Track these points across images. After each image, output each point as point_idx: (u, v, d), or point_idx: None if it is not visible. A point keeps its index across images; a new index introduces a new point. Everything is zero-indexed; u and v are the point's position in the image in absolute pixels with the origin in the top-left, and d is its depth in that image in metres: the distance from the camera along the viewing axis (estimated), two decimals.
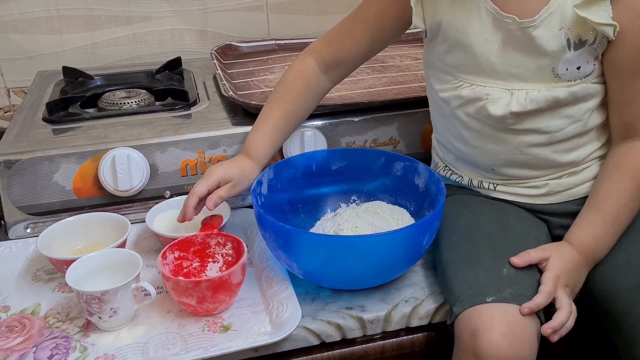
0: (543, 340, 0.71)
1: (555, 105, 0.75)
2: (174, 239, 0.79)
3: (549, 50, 0.73)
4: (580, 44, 0.72)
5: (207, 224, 0.82)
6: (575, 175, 0.81)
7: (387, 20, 0.83)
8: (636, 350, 0.71)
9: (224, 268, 0.79)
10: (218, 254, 0.80)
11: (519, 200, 0.83)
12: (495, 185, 0.84)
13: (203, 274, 0.79)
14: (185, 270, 0.78)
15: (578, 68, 0.73)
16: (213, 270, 0.79)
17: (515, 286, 0.71)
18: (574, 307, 0.72)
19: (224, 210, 0.87)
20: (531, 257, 0.74)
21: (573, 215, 0.80)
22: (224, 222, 0.84)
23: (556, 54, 0.73)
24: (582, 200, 0.81)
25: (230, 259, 0.79)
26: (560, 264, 0.73)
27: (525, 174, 0.81)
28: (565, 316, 0.70)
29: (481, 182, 0.85)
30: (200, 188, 0.81)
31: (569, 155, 0.79)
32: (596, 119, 0.78)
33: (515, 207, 0.83)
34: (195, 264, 0.79)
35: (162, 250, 0.75)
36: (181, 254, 0.78)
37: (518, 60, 0.75)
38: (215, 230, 0.80)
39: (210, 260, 0.80)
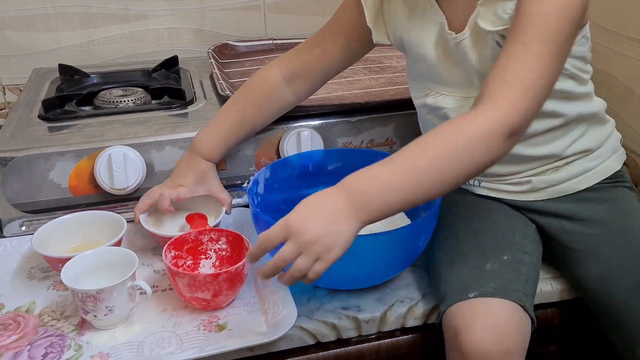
0: (540, 341, 0.71)
1: None
2: (169, 237, 0.79)
3: (485, 57, 0.73)
4: None
5: (194, 221, 0.84)
6: (559, 172, 0.81)
7: (356, 31, 0.84)
8: (637, 351, 0.71)
9: (217, 264, 0.80)
10: (210, 250, 0.80)
11: (503, 197, 0.83)
12: (479, 181, 0.84)
13: (196, 271, 0.79)
14: (180, 269, 0.77)
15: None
16: (206, 267, 0.80)
17: (499, 280, 0.71)
18: (301, 265, 0.61)
19: (215, 208, 0.87)
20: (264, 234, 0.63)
21: (561, 215, 0.80)
22: (218, 220, 0.84)
23: (493, 59, 0.71)
24: (569, 198, 0.81)
25: (224, 253, 0.80)
26: (302, 209, 0.62)
27: (505, 170, 0.81)
28: (268, 266, 0.62)
29: None
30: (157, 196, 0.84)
31: (544, 148, 0.79)
32: (564, 111, 0.77)
33: (503, 205, 0.83)
34: (189, 262, 0.79)
35: (163, 250, 0.75)
36: (177, 253, 0.78)
37: (467, 70, 0.76)
38: (208, 226, 0.81)
39: (202, 257, 0.80)
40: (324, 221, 0.61)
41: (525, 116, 0.64)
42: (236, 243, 0.79)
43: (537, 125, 0.77)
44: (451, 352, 0.69)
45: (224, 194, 0.87)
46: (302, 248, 0.60)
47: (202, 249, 0.80)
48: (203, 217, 0.85)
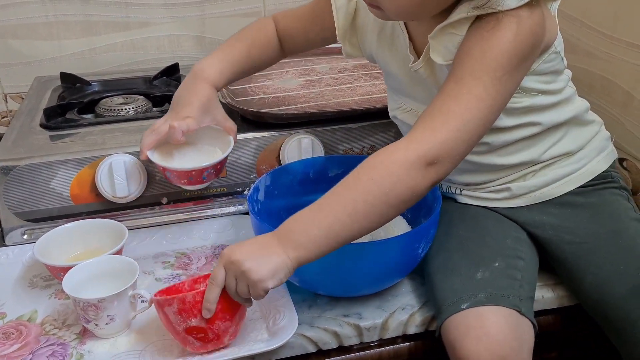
0: (542, 347, 0.71)
1: None
2: (184, 171, 0.77)
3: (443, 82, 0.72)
4: None
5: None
6: (537, 176, 0.80)
7: (329, 30, 0.85)
8: (638, 356, 0.71)
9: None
10: None
11: (485, 205, 0.83)
12: (460, 189, 0.85)
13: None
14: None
15: None
16: None
17: (490, 288, 0.71)
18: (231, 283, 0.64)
19: (221, 140, 0.84)
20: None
21: (547, 226, 0.80)
22: (227, 153, 0.81)
23: None
24: (553, 204, 0.80)
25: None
26: (235, 244, 0.66)
27: (481, 179, 0.81)
28: (209, 294, 0.65)
29: (449, 186, 0.86)
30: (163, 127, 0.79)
31: (518, 156, 0.79)
32: (539, 120, 0.77)
33: (492, 213, 0.83)
34: None
35: (149, 299, 0.71)
36: None
37: (429, 92, 0.76)
38: (204, 274, 0.73)
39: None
40: (252, 250, 0.64)
41: (445, 147, 0.64)
42: None
43: (510, 135, 0.77)
44: None
45: (229, 122, 0.84)
46: (235, 274, 0.64)
47: None
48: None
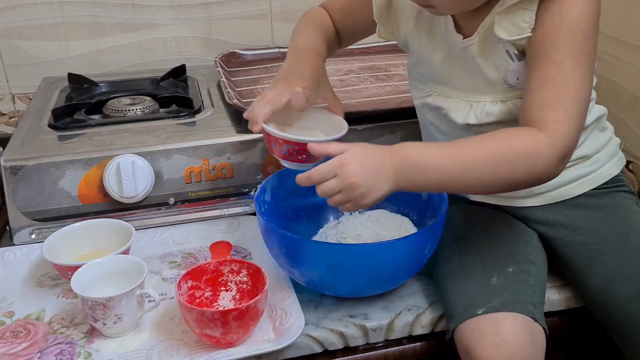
0: (548, 349, 0.71)
1: (511, 116, 0.75)
2: (316, 142, 0.71)
3: (493, 65, 0.74)
4: (521, 53, 0.72)
5: (217, 250, 0.79)
6: None
7: (368, 20, 0.85)
8: None
9: (237, 297, 0.76)
10: (231, 282, 0.76)
11: (500, 204, 0.83)
12: None
13: (215, 303, 0.76)
14: (197, 300, 0.74)
15: (526, 81, 0.72)
16: (226, 300, 0.76)
17: (505, 294, 0.71)
18: (336, 198, 0.67)
19: (329, 123, 0.79)
20: (331, 147, 0.69)
21: (560, 225, 0.80)
22: (340, 135, 0.75)
23: (500, 66, 0.73)
24: (566, 205, 0.80)
25: (245, 286, 0.76)
26: (357, 155, 0.67)
27: None
28: (311, 179, 0.68)
29: None
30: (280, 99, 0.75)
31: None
32: None
33: (502, 214, 0.83)
34: (208, 294, 0.76)
35: (177, 281, 0.72)
36: (194, 284, 0.74)
37: (470, 75, 0.76)
38: (229, 257, 0.77)
39: (222, 288, 0.76)
40: (370, 173, 0.66)
41: (574, 136, 0.67)
42: (256, 277, 0.75)
43: None
44: None
45: (337, 100, 0.82)
46: (343, 188, 0.66)
47: (222, 280, 0.76)
48: (227, 246, 0.79)
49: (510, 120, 0.74)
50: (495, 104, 0.75)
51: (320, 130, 0.80)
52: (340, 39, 0.90)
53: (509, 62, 0.73)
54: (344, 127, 0.77)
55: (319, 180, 0.68)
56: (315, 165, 0.70)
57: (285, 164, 0.77)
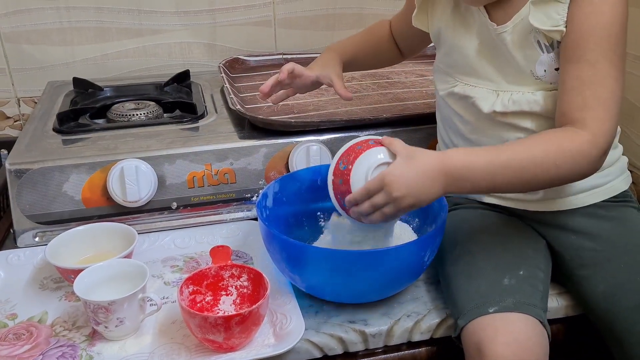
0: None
1: (537, 105, 0.77)
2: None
3: (523, 54, 0.76)
4: (552, 45, 0.74)
5: (217, 254, 0.79)
6: (569, 184, 0.81)
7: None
8: None
9: (237, 301, 0.77)
10: (232, 286, 0.77)
11: (512, 206, 0.84)
12: None
13: (216, 307, 0.76)
14: (198, 305, 0.75)
15: (557, 69, 0.75)
16: (226, 304, 0.76)
17: (518, 295, 0.72)
18: (378, 215, 0.70)
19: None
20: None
21: (569, 229, 0.81)
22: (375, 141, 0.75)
23: (530, 57, 0.75)
24: (577, 212, 0.81)
25: (245, 291, 0.77)
26: (402, 167, 0.69)
27: None
28: (358, 200, 0.71)
29: None
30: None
31: None
32: None
33: (513, 220, 0.84)
34: (208, 298, 0.76)
35: (179, 286, 0.72)
36: (195, 288, 0.75)
37: (500, 63, 0.78)
38: (230, 262, 0.78)
39: (223, 293, 0.77)
40: (417, 184, 0.69)
41: (613, 134, 0.71)
42: (257, 281, 0.75)
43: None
44: None
45: (340, 80, 0.95)
46: (390, 201, 0.69)
47: (222, 284, 0.77)
48: (227, 250, 0.80)
49: (535, 111, 0.77)
50: (522, 94, 0.77)
51: None
52: (400, 49, 1.00)
53: (539, 53, 0.75)
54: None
55: (365, 195, 0.70)
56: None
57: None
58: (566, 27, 0.71)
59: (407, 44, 0.99)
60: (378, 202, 0.69)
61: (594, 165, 0.71)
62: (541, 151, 0.69)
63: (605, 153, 0.71)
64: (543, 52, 0.74)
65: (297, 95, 1.00)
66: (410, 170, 0.69)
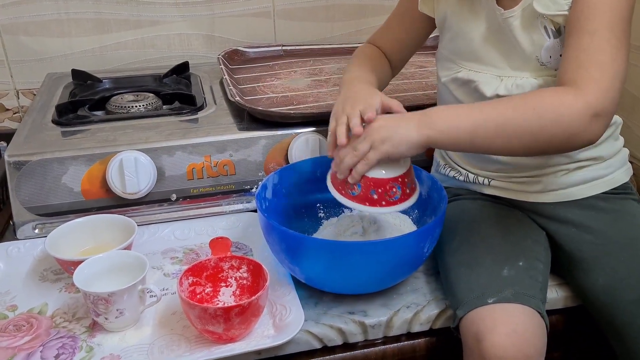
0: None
1: None
2: None
3: (530, 40, 0.76)
4: (558, 31, 0.74)
5: (217, 246, 0.79)
6: (570, 176, 0.82)
7: (415, 12, 0.89)
8: None
9: (237, 292, 0.77)
10: (231, 277, 0.77)
11: (512, 197, 0.84)
12: (489, 180, 0.85)
13: (215, 299, 0.77)
14: (198, 296, 0.75)
15: (562, 55, 0.74)
16: (226, 295, 0.77)
17: (517, 286, 0.72)
18: (362, 148, 0.71)
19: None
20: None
21: (569, 222, 0.81)
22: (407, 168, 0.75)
23: (536, 42, 0.75)
24: (577, 204, 0.82)
25: (245, 282, 0.77)
26: (385, 117, 0.72)
27: (517, 161, 0.82)
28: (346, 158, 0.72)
29: (477, 177, 0.87)
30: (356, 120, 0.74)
31: None
32: None
33: (513, 211, 0.84)
34: (208, 290, 0.77)
35: (179, 278, 0.73)
36: (195, 280, 0.76)
37: (506, 49, 0.78)
38: (229, 253, 0.78)
39: (222, 284, 0.77)
40: (392, 121, 0.71)
41: (608, 97, 0.66)
42: (256, 273, 0.76)
43: None
44: (470, 357, 0.70)
45: (393, 100, 0.79)
46: (367, 134, 0.71)
47: (222, 276, 0.77)
48: (226, 242, 0.80)
49: None
50: (526, 79, 0.77)
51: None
52: (391, 65, 0.95)
53: (546, 39, 0.75)
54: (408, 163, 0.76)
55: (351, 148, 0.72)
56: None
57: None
58: (570, 7, 0.71)
59: (400, 57, 0.95)
60: (361, 148, 0.71)
61: (584, 124, 0.65)
62: (520, 99, 0.69)
63: (597, 113, 0.65)
64: (550, 38, 0.74)
65: (296, 86, 0.99)
66: (390, 118, 0.72)
